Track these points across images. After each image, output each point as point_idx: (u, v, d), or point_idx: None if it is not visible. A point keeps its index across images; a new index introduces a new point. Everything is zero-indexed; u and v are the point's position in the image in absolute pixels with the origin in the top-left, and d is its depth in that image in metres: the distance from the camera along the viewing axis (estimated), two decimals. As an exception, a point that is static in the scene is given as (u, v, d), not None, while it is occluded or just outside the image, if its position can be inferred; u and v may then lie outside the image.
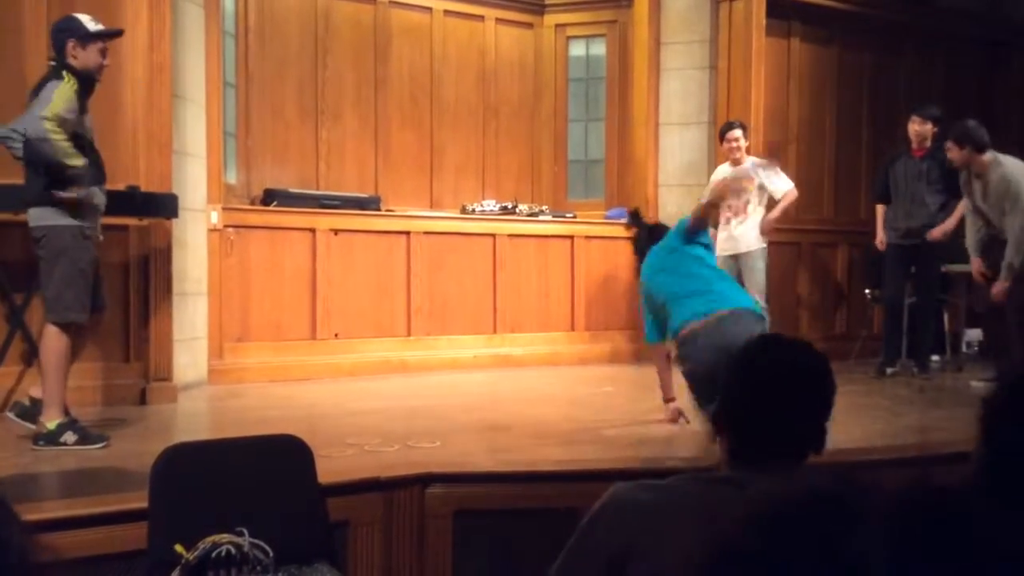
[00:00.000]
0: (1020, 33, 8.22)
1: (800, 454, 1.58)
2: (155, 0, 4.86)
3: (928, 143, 6.21)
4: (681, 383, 4.07)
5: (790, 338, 1.72)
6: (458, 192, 7.49)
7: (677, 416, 4.35)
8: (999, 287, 5.44)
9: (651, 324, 4.31)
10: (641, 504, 1.52)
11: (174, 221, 5.01)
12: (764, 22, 6.90)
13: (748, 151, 6.29)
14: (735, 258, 6.10)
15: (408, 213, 6.83)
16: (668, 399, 4.44)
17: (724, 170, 6.33)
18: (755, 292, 6.18)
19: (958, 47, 8.05)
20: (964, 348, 6.88)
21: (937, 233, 6.06)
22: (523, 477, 3.21)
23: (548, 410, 4.88)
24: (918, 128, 6.22)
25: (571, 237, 7.15)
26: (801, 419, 1.57)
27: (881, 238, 6.38)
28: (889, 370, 6.24)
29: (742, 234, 6.12)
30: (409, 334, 6.53)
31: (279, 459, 2.52)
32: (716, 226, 6.04)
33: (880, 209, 6.43)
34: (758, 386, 1.60)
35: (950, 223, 6.06)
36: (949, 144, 5.58)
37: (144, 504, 2.44)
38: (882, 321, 6.53)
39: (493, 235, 6.86)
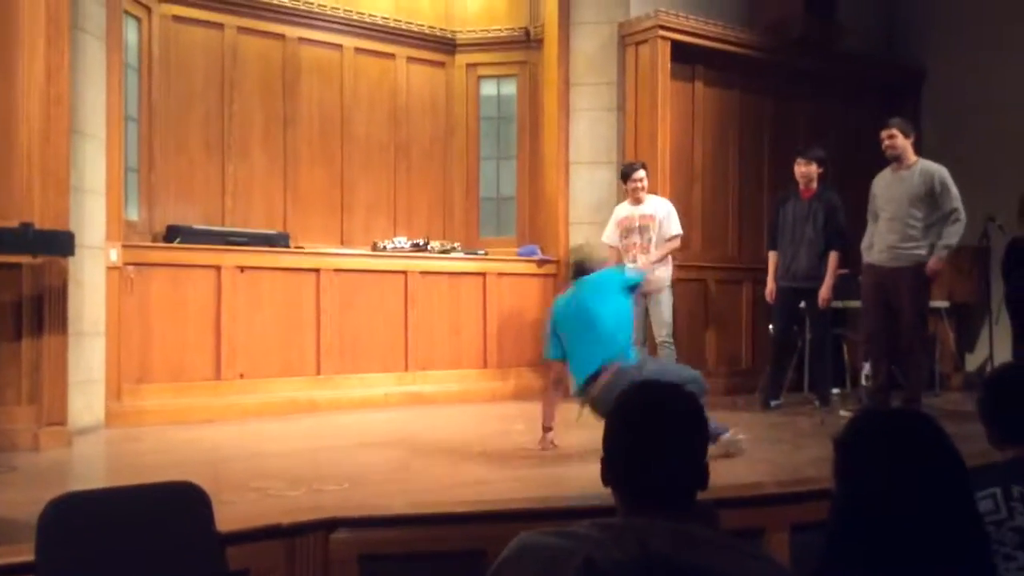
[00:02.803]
0: (914, 77, 8.62)
1: (687, 493, 1.60)
2: (52, 33, 4.73)
3: (814, 184, 6.43)
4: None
5: (655, 383, 1.75)
6: (369, 229, 7.45)
7: (548, 446, 4.69)
8: (934, 263, 5.58)
9: (554, 343, 4.72)
10: (548, 549, 1.51)
11: (70, 259, 4.84)
12: (669, 66, 7.09)
13: (648, 190, 6.43)
14: (644, 294, 6.19)
15: (318, 250, 6.75)
16: (546, 428, 4.72)
17: (624, 208, 6.46)
18: (661, 326, 6.30)
19: (855, 90, 8.38)
20: (864, 381, 7.09)
21: (825, 297, 6.26)
22: (431, 519, 3.16)
23: (459, 449, 4.84)
24: (804, 169, 6.44)
25: (483, 274, 7.17)
26: (679, 460, 1.60)
27: (771, 288, 6.52)
28: (773, 403, 6.40)
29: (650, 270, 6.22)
30: (318, 373, 6.42)
31: (175, 507, 2.43)
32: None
33: (772, 256, 6.56)
34: (631, 436, 1.63)
35: (830, 281, 6.25)
36: (894, 131, 5.71)
37: (31, 557, 2.33)
38: (770, 356, 6.68)
39: (405, 272, 6.83)
